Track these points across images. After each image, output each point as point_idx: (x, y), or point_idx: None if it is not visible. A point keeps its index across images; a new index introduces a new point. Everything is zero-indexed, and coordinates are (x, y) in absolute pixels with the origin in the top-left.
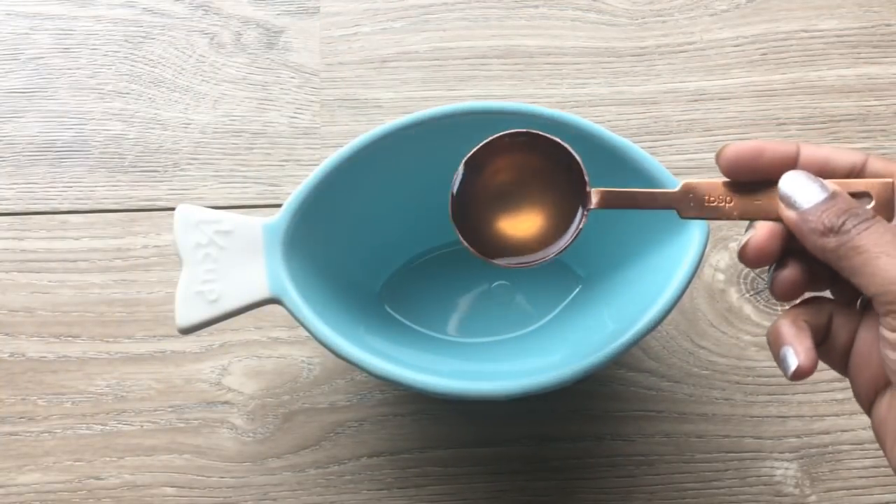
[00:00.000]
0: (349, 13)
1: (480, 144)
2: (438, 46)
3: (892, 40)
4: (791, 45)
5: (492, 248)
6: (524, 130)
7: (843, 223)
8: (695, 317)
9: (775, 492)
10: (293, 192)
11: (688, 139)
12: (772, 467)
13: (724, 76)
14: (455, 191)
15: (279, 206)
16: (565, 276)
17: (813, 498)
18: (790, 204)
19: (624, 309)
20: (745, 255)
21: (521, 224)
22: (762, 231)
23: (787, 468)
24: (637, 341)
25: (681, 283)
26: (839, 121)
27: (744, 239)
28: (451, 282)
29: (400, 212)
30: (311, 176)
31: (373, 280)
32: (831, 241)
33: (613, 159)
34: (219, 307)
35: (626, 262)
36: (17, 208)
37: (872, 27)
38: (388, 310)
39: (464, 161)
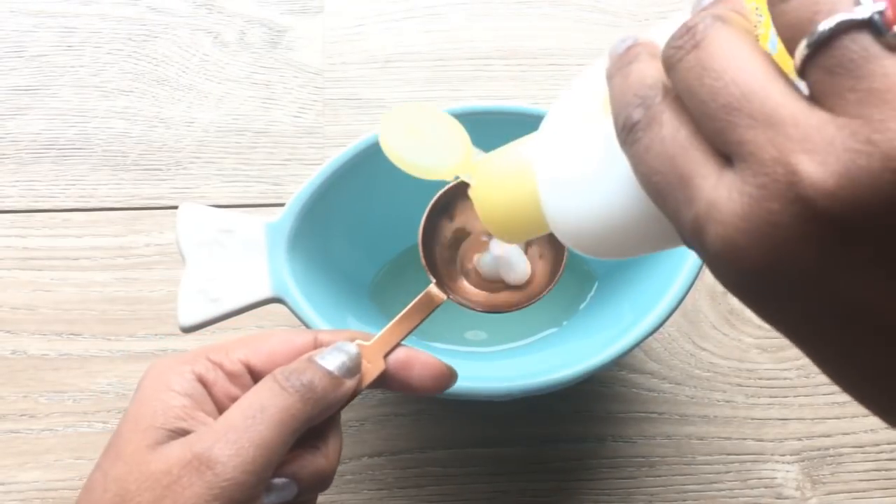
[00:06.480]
0: (353, 13)
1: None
2: (441, 47)
3: None
4: None
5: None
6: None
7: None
8: (696, 319)
9: (776, 494)
10: (296, 191)
11: None
12: (773, 469)
13: None
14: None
15: (282, 205)
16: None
17: (814, 500)
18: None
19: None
20: None
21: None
22: None
23: (788, 471)
24: (639, 343)
25: (683, 285)
26: None
27: None
28: None
29: (403, 212)
30: (314, 176)
31: (375, 279)
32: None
33: None
34: (221, 306)
35: (627, 262)
36: (20, 206)
37: None
38: (391, 310)
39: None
